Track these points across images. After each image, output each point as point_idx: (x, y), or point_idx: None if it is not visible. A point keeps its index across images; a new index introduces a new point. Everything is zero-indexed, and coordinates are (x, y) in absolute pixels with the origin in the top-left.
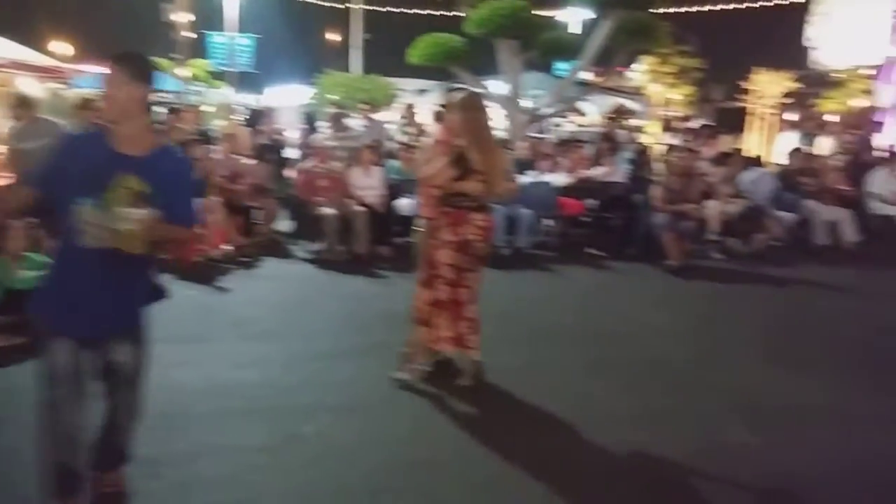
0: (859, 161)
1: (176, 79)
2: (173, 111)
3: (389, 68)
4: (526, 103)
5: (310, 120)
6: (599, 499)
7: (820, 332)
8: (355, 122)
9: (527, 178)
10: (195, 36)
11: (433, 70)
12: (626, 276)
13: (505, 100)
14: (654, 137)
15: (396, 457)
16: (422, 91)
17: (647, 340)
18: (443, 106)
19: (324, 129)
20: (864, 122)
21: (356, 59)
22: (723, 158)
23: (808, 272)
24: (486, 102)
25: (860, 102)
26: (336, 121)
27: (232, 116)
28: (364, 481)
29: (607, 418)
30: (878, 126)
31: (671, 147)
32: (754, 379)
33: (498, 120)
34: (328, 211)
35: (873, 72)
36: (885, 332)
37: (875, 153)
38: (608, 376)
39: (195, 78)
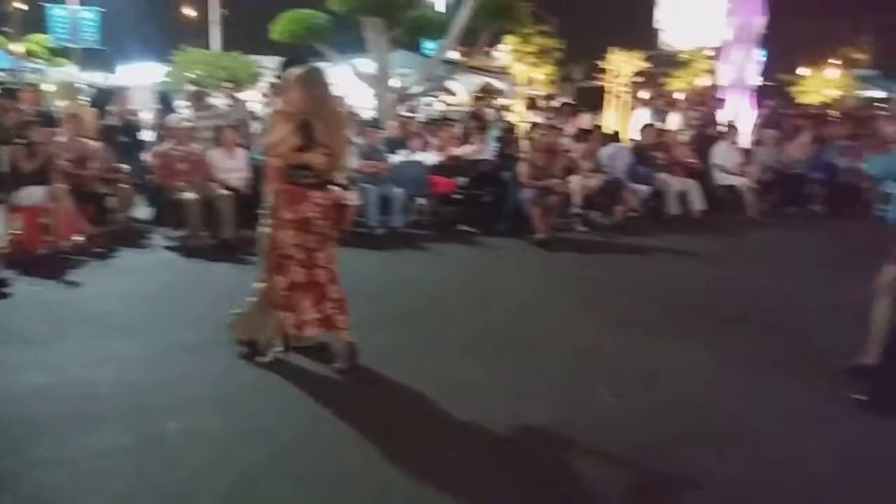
0: (704, 135)
1: (10, 55)
2: (6, 91)
3: (251, 45)
4: (394, 82)
5: (165, 100)
6: (470, 473)
7: (673, 296)
8: (217, 102)
9: (398, 158)
10: (26, 8)
11: (298, 48)
12: (497, 250)
13: (373, 79)
14: (520, 116)
15: (271, 447)
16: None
17: (519, 313)
18: (279, 78)
19: (181, 108)
20: (707, 100)
21: (216, 35)
22: (583, 135)
23: (662, 240)
24: (357, 78)
25: (704, 81)
26: (196, 99)
27: (77, 96)
28: (237, 476)
29: (480, 392)
30: (720, 103)
31: (535, 125)
32: (618, 343)
33: (367, 99)
34: (189, 195)
35: (714, 52)
36: (728, 294)
37: (718, 128)
38: (483, 350)
39: (32, 54)
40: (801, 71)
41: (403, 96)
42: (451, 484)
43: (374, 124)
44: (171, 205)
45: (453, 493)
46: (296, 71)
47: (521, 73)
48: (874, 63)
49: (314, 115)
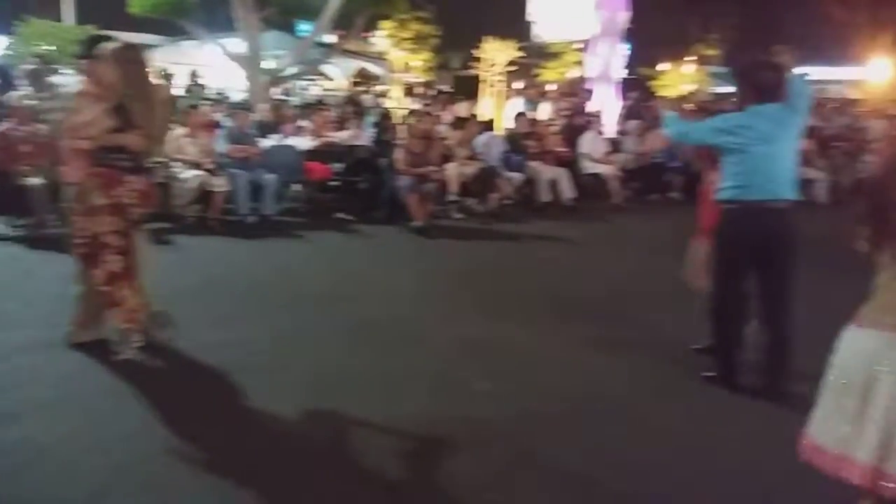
0: (573, 125)
1: None
2: None
3: (109, 20)
4: (267, 64)
5: (4, 75)
6: (337, 468)
7: (544, 283)
8: (68, 79)
9: (270, 142)
10: None
11: (161, 24)
12: (374, 238)
13: (244, 60)
14: (397, 102)
15: (123, 453)
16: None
17: (396, 302)
18: (89, 56)
19: (24, 85)
20: (577, 91)
21: (69, 7)
22: (460, 123)
23: (534, 227)
24: (227, 59)
25: (573, 73)
26: (35, 77)
27: None
28: (85, 486)
29: (354, 383)
30: (588, 94)
31: (412, 111)
32: (489, 330)
33: (238, 81)
34: (34, 180)
35: (583, 45)
36: (594, 279)
37: (586, 118)
38: (359, 340)
39: None
40: (661, 66)
41: (277, 79)
42: (319, 481)
43: (245, 107)
44: (14, 190)
45: (319, 494)
46: (109, 48)
47: (399, 59)
48: (725, 61)
49: (130, 95)
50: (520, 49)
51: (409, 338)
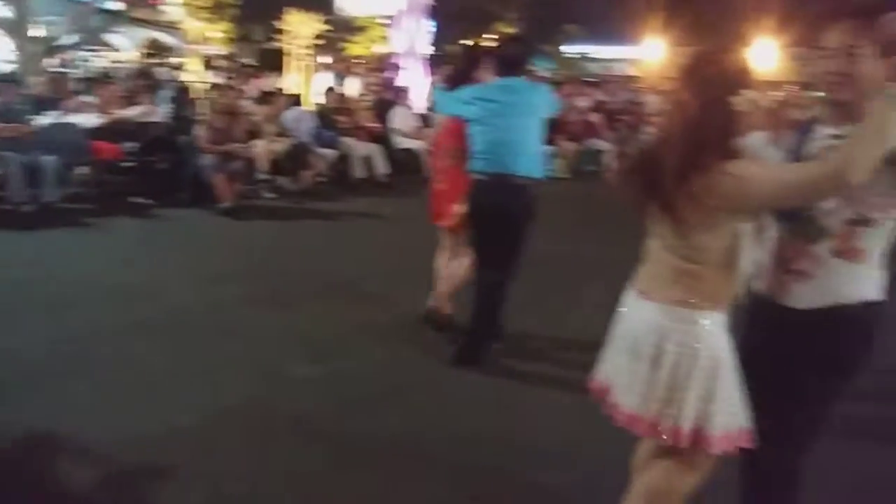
0: (383, 100)
1: None
2: None
3: None
4: (39, 31)
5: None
6: (160, 460)
7: (364, 258)
8: None
9: (47, 119)
10: None
11: None
12: (177, 222)
13: (10, 25)
14: (195, 75)
15: None
16: None
17: (203, 288)
18: None
19: None
20: (385, 66)
21: None
22: (266, 97)
23: (349, 204)
24: None
25: (380, 48)
26: None
27: None
28: None
29: (164, 381)
30: (396, 69)
31: (214, 86)
32: (310, 312)
33: (4, 50)
34: None
35: (388, 20)
36: (409, 251)
37: (395, 93)
38: (157, 334)
39: None
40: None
41: (52, 48)
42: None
43: (12, 79)
44: None
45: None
46: None
47: (195, 29)
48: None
49: None
50: (325, 22)
51: (211, 326)
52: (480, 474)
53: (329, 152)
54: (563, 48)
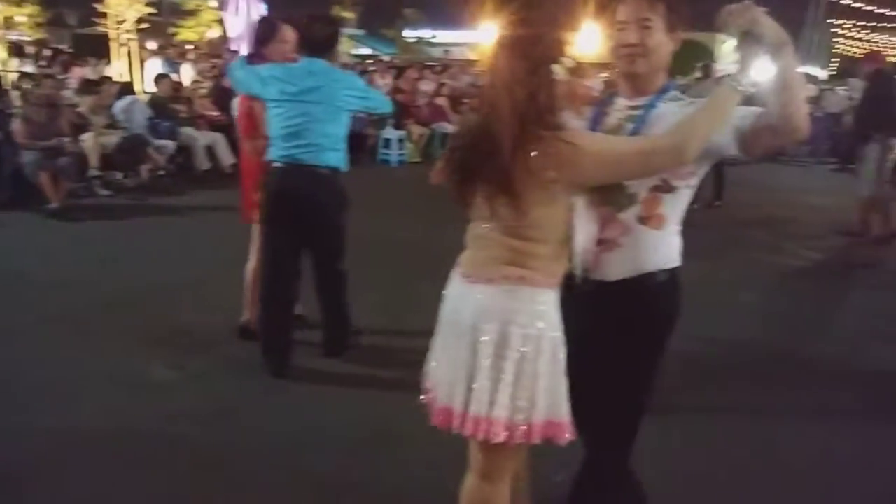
0: (223, 87)
1: None
2: None
3: None
4: None
5: None
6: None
7: (211, 253)
8: None
9: None
10: None
11: None
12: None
13: None
14: (2, 64)
15: None
16: None
17: (34, 296)
18: None
19: None
20: (221, 51)
21: None
22: (90, 86)
23: (193, 198)
24: None
25: (213, 32)
26: None
27: None
28: None
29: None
30: (233, 54)
31: (25, 75)
32: (170, 313)
33: None
34: None
35: (219, 3)
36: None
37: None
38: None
39: None
40: None
41: None
42: None
43: None
44: None
45: None
46: None
47: None
48: (360, 23)
49: None
50: (151, 6)
51: (56, 334)
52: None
53: (167, 144)
54: (404, 33)
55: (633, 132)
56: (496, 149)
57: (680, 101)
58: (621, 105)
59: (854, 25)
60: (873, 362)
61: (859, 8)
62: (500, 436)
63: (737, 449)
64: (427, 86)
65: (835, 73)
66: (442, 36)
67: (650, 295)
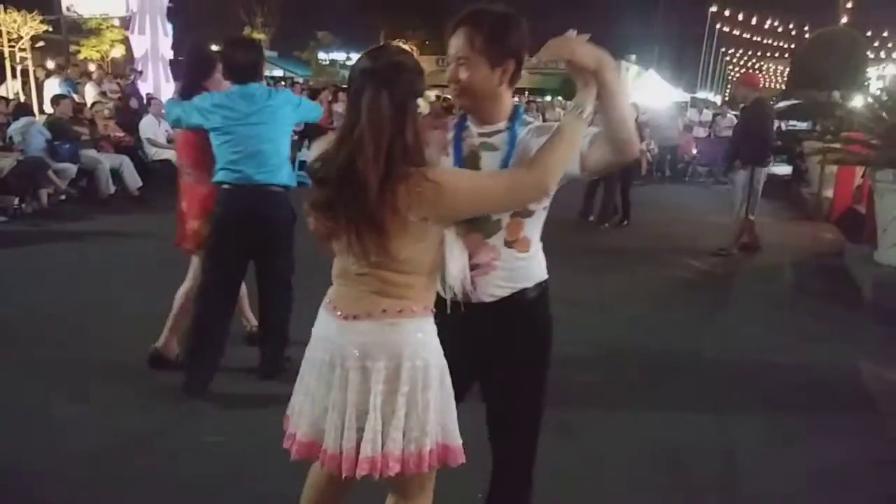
0: (127, 108)
1: None
2: None
3: None
4: None
5: None
6: None
7: (119, 280)
8: None
9: None
10: None
11: None
12: None
13: None
14: None
15: None
16: None
17: None
18: None
19: None
20: (125, 71)
21: None
22: None
23: (99, 222)
24: None
25: (117, 51)
26: None
27: None
28: None
29: None
30: (139, 74)
31: None
32: (71, 342)
33: None
34: None
35: (123, 23)
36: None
37: (141, 101)
38: None
39: None
40: (214, 48)
41: None
42: None
43: None
44: None
45: None
46: None
47: None
48: (272, 45)
49: None
50: (48, 22)
51: None
52: None
53: (69, 167)
54: (318, 55)
55: (503, 163)
56: (361, 187)
57: (529, 125)
58: (473, 132)
59: (742, 54)
60: (767, 368)
61: (748, 38)
62: (395, 469)
63: (638, 461)
64: (341, 107)
65: (728, 98)
66: (356, 58)
67: (526, 310)
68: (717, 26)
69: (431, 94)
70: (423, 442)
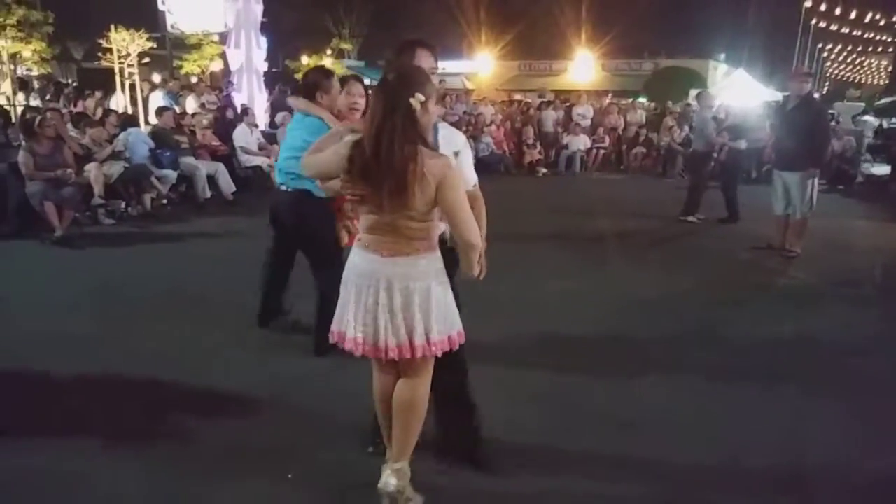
0: (224, 118)
1: None
2: None
3: None
4: None
5: None
6: None
7: (218, 275)
8: None
9: None
10: None
11: None
12: (4, 255)
13: None
14: (10, 98)
15: None
16: None
17: (46, 320)
18: None
19: None
20: (222, 83)
21: None
22: (94, 119)
23: (197, 225)
24: None
25: (216, 65)
26: None
27: None
28: None
29: None
30: (234, 86)
31: (31, 108)
32: (173, 328)
33: None
34: None
35: (221, 38)
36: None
37: (235, 111)
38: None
39: None
40: (304, 59)
41: None
42: None
43: None
44: None
45: None
46: None
47: (3, 48)
48: (360, 55)
49: None
50: (154, 40)
51: (72, 358)
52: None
53: (169, 173)
54: None
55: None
56: (388, 160)
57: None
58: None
59: (841, 49)
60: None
61: (847, 33)
62: (440, 350)
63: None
64: None
65: (825, 94)
66: (444, 65)
67: None
68: (813, 22)
69: (421, 96)
70: (432, 333)
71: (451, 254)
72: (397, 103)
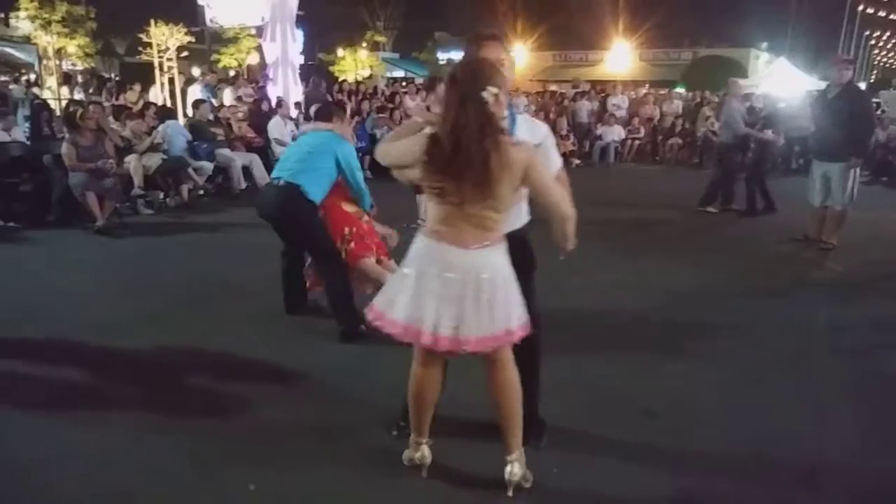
0: (259, 111)
1: None
2: None
3: None
4: None
5: None
6: None
7: (246, 267)
8: None
9: None
10: None
11: None
12: (47, 244)
13: None
14: (52, 92)
15: None
16: None
17: (89, 308)
18: None
19: None
20: (258, 76)
21: None
22: (134, 112)
23: (232, 215)
24: None
25: (252, 58)
26: None
27: None
28: None
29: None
30: (270, 79)
31: (75, 102)
32: (212, 315)
33: None
34: None
35: (257, 31)
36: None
37: (270, 103)
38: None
39: None
40: (339, 52)
41: None
42: None
43: None
44: None
45: None
46: None
47: (49, 44)
48: (394, 47)
49: None
50: (192, 34)
51: (117, 346)
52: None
53: (206, 165)
54: (437, 55)
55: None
56: (467, 154)
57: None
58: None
59: (891, 36)
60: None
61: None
62: (515, 337)
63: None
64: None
65: (872, 82)
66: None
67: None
68: (860, 8)
69: (493, 89)
70: (511, 322)
71: (529, 251)
72: (470, 98)
